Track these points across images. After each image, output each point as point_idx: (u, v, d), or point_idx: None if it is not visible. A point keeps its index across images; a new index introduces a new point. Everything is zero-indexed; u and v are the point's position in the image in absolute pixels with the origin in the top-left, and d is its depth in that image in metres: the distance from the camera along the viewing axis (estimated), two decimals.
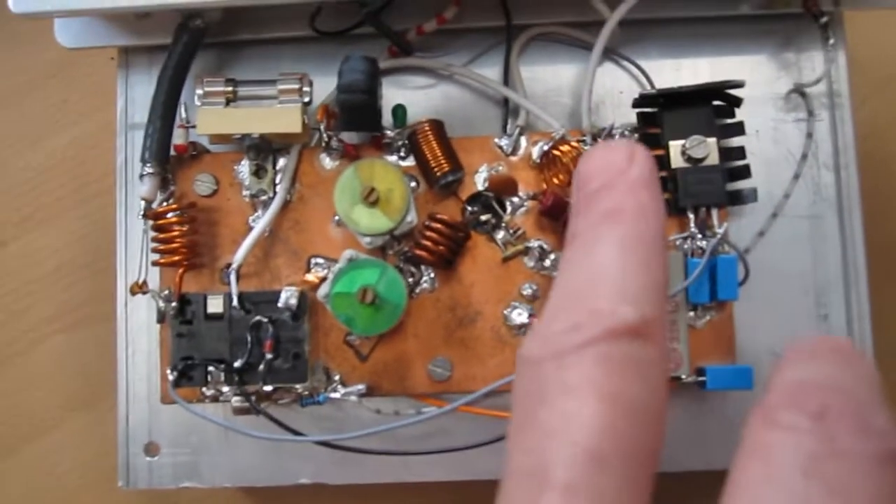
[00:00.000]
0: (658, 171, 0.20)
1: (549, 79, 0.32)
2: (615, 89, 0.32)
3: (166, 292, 0.29)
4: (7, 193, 0.37)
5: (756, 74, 0.31)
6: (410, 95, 0.32)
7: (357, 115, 0.29)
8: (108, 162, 0.37)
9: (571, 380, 0.16)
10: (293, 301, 0.29)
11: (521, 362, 0.17)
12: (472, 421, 0.30)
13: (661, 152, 0.30)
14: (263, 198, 0.31)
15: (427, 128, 0.30)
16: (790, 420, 0.15)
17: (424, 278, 0.30)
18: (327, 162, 0.31)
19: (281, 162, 0.31)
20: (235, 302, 0.29)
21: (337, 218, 0.30)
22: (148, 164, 0.30)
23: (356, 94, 0.28)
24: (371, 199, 0.29)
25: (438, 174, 0.29)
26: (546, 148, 0.30)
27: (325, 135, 0.30)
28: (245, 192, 0.31)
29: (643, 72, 0.31)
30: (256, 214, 0.31)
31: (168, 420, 0.31)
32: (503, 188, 0.29)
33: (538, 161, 0.30)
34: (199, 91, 0.30)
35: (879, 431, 0.15)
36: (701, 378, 0.29)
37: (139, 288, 0.30)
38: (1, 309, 0.36)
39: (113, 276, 0.32)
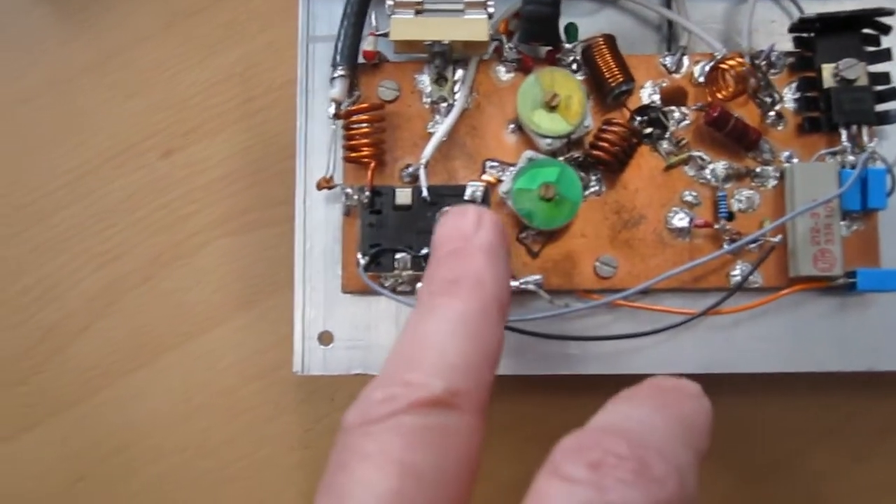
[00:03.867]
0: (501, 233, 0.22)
1: (702, 6, 0.34)
2: (767, 18, 0.34)
3: (356, 186, 0.32)
4: (174, 107, 0.39)
5: None
6: (579, 18, 0.34)
7: (540, 28, 0.32)
8: (272, 79, 0.39)
9: (370, 448, 0.17)
10: (479, 194, 0.31)
11: (340, 428, 0.18)
12: (630, 320, 0.32)
13: (813, 74, 0.32)
14: (443, 105, 0.33)
15: (602, 42, 0.32)
16: (569, 470, 0.16)
17: (592, 182, 0.32)
18: (502, 73, 0.33)
19: (459, 73, 0.33)
20: (426, 194, 0.31)
21: (511, 126, 0.33)
22: (340, 68, 0.32)
23: (543, 7, 0.31)
24: (553, 103, 0.31)
25: (613, 84, 0.32)
26: (708, 67, 0.32)
27: (506, 46, 0.32)
28: (425, 99, 0.33)
29: (795, 2, 0.34)
30: (434, 120, 0.33)
31: (341, 312, 0.33)
32: (674, 98, 0.32)
33: (700, 79, 0.33)
34: (390, 1, 0.32)
35: (656, 479, 0.16)
36: (851, 280, 0.31)
37: (326, 183, 0.32)
38: (168, 213, 0.38)
39: (288, 178, 0.34)
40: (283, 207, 0.37)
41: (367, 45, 0.33)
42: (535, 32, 0.32)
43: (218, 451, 0.37)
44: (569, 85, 0.31)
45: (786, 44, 0.33)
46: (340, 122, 0.32)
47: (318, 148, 0.33)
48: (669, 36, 0.34)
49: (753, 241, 0.31)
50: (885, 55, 0.32)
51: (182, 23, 0.40)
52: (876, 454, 0.37)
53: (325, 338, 0.33)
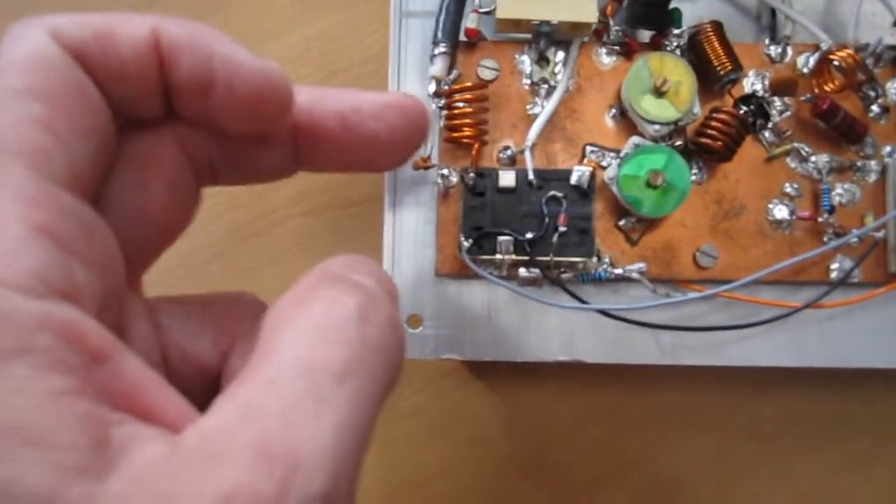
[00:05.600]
0: None
1: None
2: (868, 11, 0.34)
3: (458, 168, 0.31)
4: None
5: None
6: (678, 3, 0.33)
7: (651, 11, 0.31)
8: (350, 55, 0.38)
9: None
10: (585, 179, 0.31)
11: None
12: (728, 311, 0.32)
13: None
14: (544, 86, 0.32)
15: (710, 28, 0.32)
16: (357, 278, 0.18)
17: (694, 171, 0.32)
18: (604, 56, 0.32)
19: (560, 54, 0.32)
20: (531, 177, 0.31)
21: (612, 110, 0.32)
22: (441, 44, 0.31)
23: None
24: (664, 88, 0.30)
25: (722, 72, 0.31)
26: (813, 58, 0.32)
27: (614, 28, 0.32)
28: (525, 81, 0.32)
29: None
30: (534, 102, 0.32)
31: (430, 296, 0.32)
32: (785, 88, 0.31)
33: (804, 70, 0.32)
34: None
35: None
36: None
37: (424, 163, 0.31)
38: (245, 190, 0.37)
39: None
40: (361, 187, 0.36)
41: (469, 22, 0.32)
42: (646, 16, 0.31)
43: None
44: (678, 70, 0.31)
45: (888, 37, 0.33)
46: (439, 101, 0.31)
47: None
48: (773, 25, 0.33)
49: (857, 238, 0.31)
50: None
51: None
52: None
53: (414, 321, 0.32)
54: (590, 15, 0.31)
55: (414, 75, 0.33)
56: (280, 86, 0.19)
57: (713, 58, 0.31)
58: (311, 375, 0.16)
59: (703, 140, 0.31)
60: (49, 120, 0.17)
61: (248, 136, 0.21)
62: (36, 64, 0.17)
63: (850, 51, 0.31)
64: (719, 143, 0.31)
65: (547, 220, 0.30)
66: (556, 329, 0.32)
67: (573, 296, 0.30)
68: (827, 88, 0.32)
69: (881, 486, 0.37)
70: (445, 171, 0.31)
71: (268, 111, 0.20)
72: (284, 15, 0.38)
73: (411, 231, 0.33)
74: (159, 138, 0.20)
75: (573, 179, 0.30)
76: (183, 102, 0.19)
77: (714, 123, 0.31)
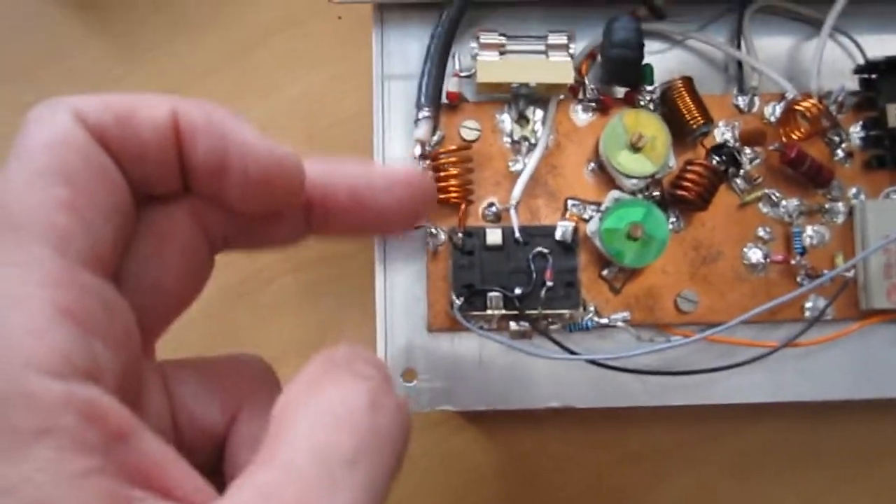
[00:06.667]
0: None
1: (767, 48, 0.35)
2: (829, 59, 0.35)
3: (446, 228, 0.32)
4: None
5: None
6: (648, 58, 0.35)
7: (624, 70, 0.32)
8: (334, 113, 0.39)
9: None
10: (569, 233, 0.32)
11: None
12: (709, 351, 0.33)
13: (877, 113, 0.34)
14: (525, 144, 0.33)
15: (680, 84, 0.33)
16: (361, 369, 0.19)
17: (671, 219, 0.33)
18: (580, 113, 0.34)
19: (539, 112, 0.34)
20: (518, 234, 0.32)
21: (591, 165, 0.33)
22: (425, 109, 0.33)
23: (630, 50, 0.32)
24: (640, 144, 0.32)
25: (694, 126, 0.33)
26: (780, 107, 0.34)
27: (589, 86, 0.33)
28: (506, 139, 0.34)
29: (856, 44, 0.35)
30: (515, 159, 0.33)
31: (423, 350, 0.34)
32: (753, 137, 0.33)
33: (773, 119, 0.34)
34: (475, 44, 0.33)
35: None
36: None
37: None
38: None
39: None
40: (348, 245, 0.37)
41: (451, 85, 0.33)
42: (619, 75, 0.33)
43: None
44: (653, 125, 0.32)
45: (848, 83, 0.34)
46: (424, 163, 0.32)
47: None
48: (740, 76, 0.34)
49: (830, 278, 0.32)
50: None
51: (244, 56, 0.40)
52: None
53: (408, 375, 0.33)
54: (565, 76, 0.32)
55: (398, 137, 0.34)
56: (292, 170, 0.21)
57: (685, 112, 0.33)
58: (326, 461, 0.17)
59: (679, 192, 0.32)
60: (73, 201, 0.18)
61: (261, 214, 0.22)
62: (61, 146, 0.18)
63: (813, 100, 0.33)
64: (694, 193, 0.32)
65: (534, 275, 0.32)
66: (546, 377, 0.33)
67: (562, 347, 0.32)
68: (794, 136, 0.33)
69: None
70: (433, 231, 0.32)
71: (280, 193, 0.21)
72: (270, 77, 0.39)
73: (403, 288, 0.34)
74: (175, 211, 0.21)
75: (558, 235, 0.32)
76: (199, 182, 0.20)
77: (688, 175, 0.32)
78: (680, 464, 0.39)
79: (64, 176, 0.18)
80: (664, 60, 0.35)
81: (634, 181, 0.32)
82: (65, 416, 0.15)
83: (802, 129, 0.33)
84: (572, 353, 0.32)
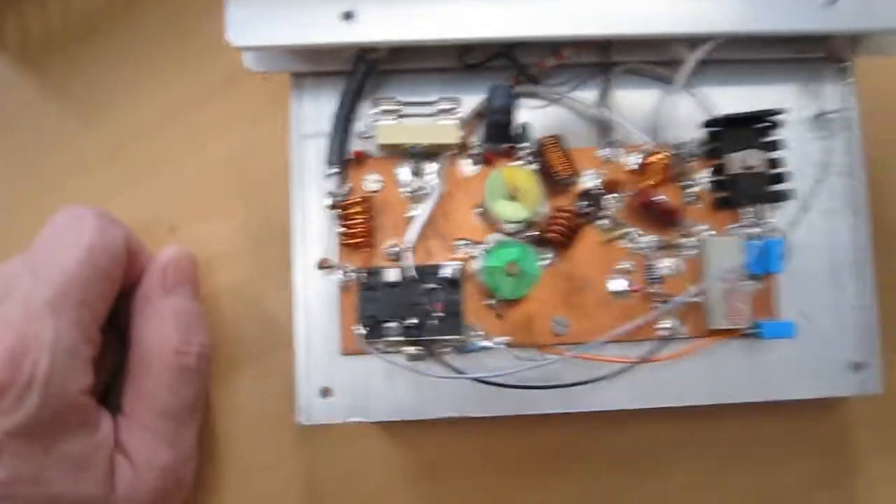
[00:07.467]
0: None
1: (633, 104, 0.41)
2: (684, 113, 0.41)
3: (353, 268, 0.38)
4: (178, 188, 0.45)
5: (792, 103, 0.41)
6: (528, 114, 0.41)
7: (500, 131, 0.38)
8: (266, 164, 0.45)
9: None
10: (455, 271, 0.38)
11: None
12: (580, 366, 0.39)
13: (722, 162, 0.40)
14: (421, 193, 0.39)
15: (551, 141, 0.39)
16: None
17: (548, 255, 0.39)
18: (468, 165, 0.40)
19: (432, 165, 0.40)
20: (413, 273, 0.38)
21: (478, 210, 0.39)
22: (334, 166, 0.39)
23: (504, 115, 0.38)
24: (515, 194, 0.38)
25: (563, 175, 0.39)
26: (639, 158, 0.40)
27: (474, 144, 0.39)
28: (404, 189, 0.39)
29: (706, 99, 0.41)
30: (412, 206, 0.39)
31: (338, 370, 0.39)
32: (615, 184, 0.39)
33: (633, 168, 0.40)
34: (375, 109, 0.39)
35: None
36: (757, 330, 0.39)
37: (325, 265, 0.38)
38: None
39: (282, 257, 0.40)
40: (279, 279, 0.42)
41: (356, 144, 0.39)
42: (496, 135, 0.38)
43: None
44: (526, 178, 0.38)
45: (698, 134, 0.40)
46: (335, 212, 0.38)
47: (313, 232, 0.39)
48: (605, 130, 0.41)
49: (679, 303, 0.39)
50: (777, 145, 0.40)
51: (184, 114, 0.46)
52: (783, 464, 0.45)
53: (327, 392, 0.39)
54: (452, 137, 0.38)
55: (313, 190, 0.40)
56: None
57: (556, 164, 0.39)
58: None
59: (549, 235, 0.38)
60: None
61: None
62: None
63: (665, 152, 0.39)
64: (561, 235, 0.38)
65: (427, 307, 0.37)
66: (444, 391, 0.39)
67: (451, 367, 0.38)
68: (649, 183, 0.39)
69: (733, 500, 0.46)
70: (344, 270, 0.38)
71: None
72: (203, 135, 0.45)
73: (321, 316, 0.40)
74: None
75: (446, 273, 0.38)
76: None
77: (556, 220, 0.38)
78: (563, 464, 0.45)
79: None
80: (542, 117, 0.41)
81: (512, 225, 0.38)
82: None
83: (656, 177, 0.39)
84: (460, 372, 0.38)
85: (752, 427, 0.46)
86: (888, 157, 0.48)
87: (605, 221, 0.40)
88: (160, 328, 0.41)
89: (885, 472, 0.46)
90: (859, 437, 0.46)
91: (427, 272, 0.38)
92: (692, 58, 0.39)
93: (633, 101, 0.41)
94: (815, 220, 0.41)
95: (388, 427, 0.45)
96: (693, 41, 0.39)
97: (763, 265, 0.39)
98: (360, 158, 0.39)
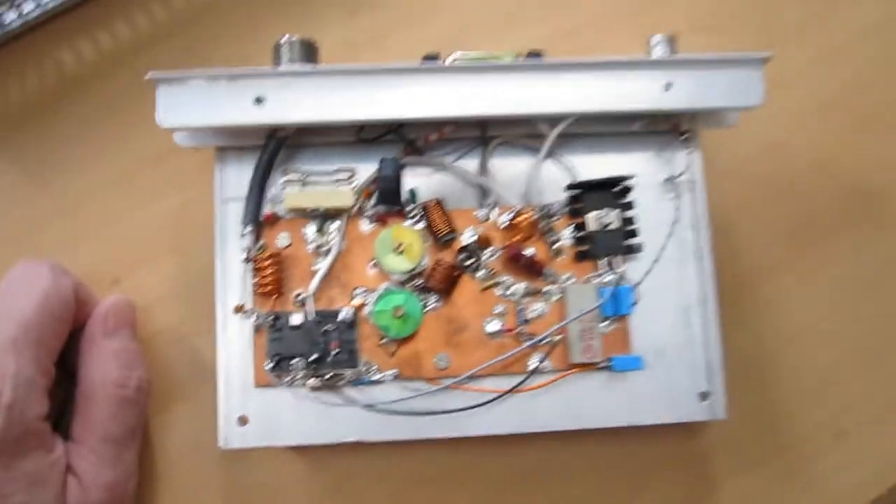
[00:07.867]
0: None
1: (508, 170, 0.49)
2: (552, 178, 0.49)
3: (263, 312, 0.45)
4: (121, 242, 0.52)
5: (645, 169, 0.48)
6: (417, 180, 0.48)
7: (390, 196, 0.45)
8: (193, 227, 0.52)
9: None
10: (350, 315, 0.45)
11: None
12: (462, 396, 0.46)
13: (581, 220, 0.47)
14: (324, 248, 0.46)
15: (434, 204, 0.46)
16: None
17: (431, 301, 0.46)
18: (365, 224, 0.47)
19: (335, 224, 0.47)
20: (314, 316, 0.45)
21: (373, 261, 0.46)
22: (248, 226, 0.46)
23: (392, 183, 0.45)
24: (400, 250, 0.45)
25: (443, 233, 0.46)
26: (509, 218, 0.47)
27: (369, 206, 0.46)
28: (310, 245, 0.46)
29: (571, 167, 0.48)
30: (317, 260, 0.46)
31: (253, 400, 0.46)
32: (488, 240, 0.46)
33: (504, 226, 0.47)
34: (284, 178, 0.46)
35: None
36: (610, 363, 0.46)
37: (240, 309, 0.45)
38: None
39: (209, 303, 0.46)
40: (206, 322, 0.49)
41: (268, 208, 0.46)
42: (387, 199, 0.46)
43: None
44: (411, 236, 0.45)
45: (563, 196, 0.47)
46: (250, 265, 0.45)
47: (233, 282, 0.46)
48: (482, 194, 0.48)
49: (543, 340, 0.45)
50: (631, 204, 0.47)
51: (126, 180, 0.53)
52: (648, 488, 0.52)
53: (243, 420, 0.46)
54: (348, 201, 0.45)
55: (233, 246, 0.46)
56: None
57: (438, 223, 0.46)
58: None
59: (429, 284, 0.45)
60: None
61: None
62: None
63: (530, 213, 0.46)
64: (441, 284, 0.45)
65: (326, 345, 0.44)
66: (346, 418, 0.45)
67: (349, 397, 0.44)
68: (518, 238, 0.46)
69: None
70: (257, 314, 0.45)
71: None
72: (148, 194, 0.52)
73: (238, 354, 0.46)
74: None
75: (342, 317, 0.45)
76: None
77: (436, 272, 0.45)
78: (455, 483, 0.52)
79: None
80: (429, 183, 0.48)
81: (398, 276, 0.45)
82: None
83: (522, 234, 0.46)
84: (353, 401, 0.44)
85: (618, 452, 0.53)
86: (731, 213, 0.55)
87: (482, 272, 0.46)
88: (103, 365, 0.48)
89: (741, 491, 0.53)
90: (717, 460, 0.53)
91: (327, 315, 0.45)
92: (554, 132, 0.47)
93: (507, 168, 0.48)
94: (667, 268, 0.48)
95: (299, 450, 0.52)
96: (554, 119, 0.46)
97: (614, 308, 0.46)
98: (272, 220, 0.46)
